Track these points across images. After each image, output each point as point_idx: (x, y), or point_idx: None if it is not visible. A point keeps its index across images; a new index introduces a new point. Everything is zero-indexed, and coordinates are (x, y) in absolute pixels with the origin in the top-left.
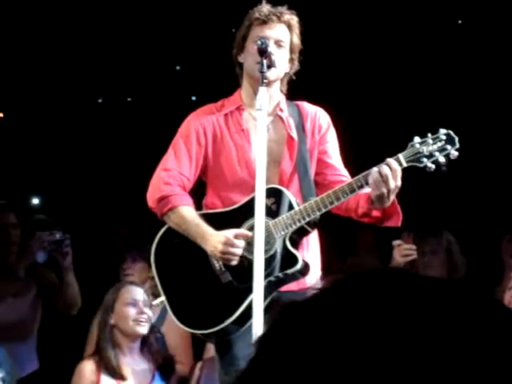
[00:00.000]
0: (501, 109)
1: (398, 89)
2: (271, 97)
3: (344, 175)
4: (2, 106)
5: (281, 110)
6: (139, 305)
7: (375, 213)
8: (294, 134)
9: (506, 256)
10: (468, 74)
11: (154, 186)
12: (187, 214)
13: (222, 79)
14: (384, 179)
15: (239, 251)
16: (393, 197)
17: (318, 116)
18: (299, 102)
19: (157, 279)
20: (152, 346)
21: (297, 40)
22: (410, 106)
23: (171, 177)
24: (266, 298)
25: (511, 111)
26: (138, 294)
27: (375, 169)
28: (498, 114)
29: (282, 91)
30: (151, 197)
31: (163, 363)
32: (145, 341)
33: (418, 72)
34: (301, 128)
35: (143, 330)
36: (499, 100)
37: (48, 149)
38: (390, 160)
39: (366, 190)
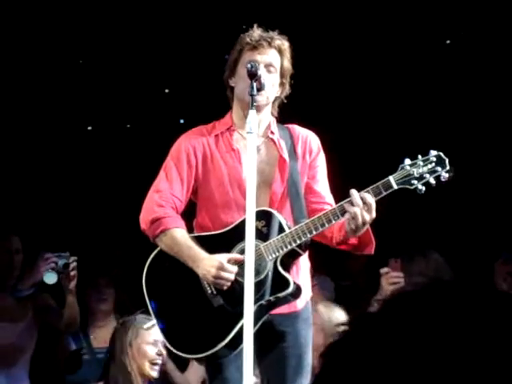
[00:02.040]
0: (489, 128)
1: (387, 110)
2: (262, 120)
3: (328, 203)
4: None
5: (272, 132)
6: (158, 345)
7: (352, 240)
8: (286, 156)
9: (499, 279)
10: (457, 94)
11: (146, 208)
12: (179, 236)
13: (210, 102)
14: (359, 214)
15: (232, 276)
16: (367, 226)
17: (310, 140)
18: (290, 126)
19: (148, 302)
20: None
21: (288, 64)
22: (399, 127)
23: (164, 199)
24: (257, 321)
25: (500, 131)
26: (157, 332)
27: (350, 204)
28: (487, 134)
29: (272, 114)
30: (144, 219)
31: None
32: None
33: (406, 93)
34: (292, 150)
35: (156, 373)
36: (491, 119)
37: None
38: (365, 194)
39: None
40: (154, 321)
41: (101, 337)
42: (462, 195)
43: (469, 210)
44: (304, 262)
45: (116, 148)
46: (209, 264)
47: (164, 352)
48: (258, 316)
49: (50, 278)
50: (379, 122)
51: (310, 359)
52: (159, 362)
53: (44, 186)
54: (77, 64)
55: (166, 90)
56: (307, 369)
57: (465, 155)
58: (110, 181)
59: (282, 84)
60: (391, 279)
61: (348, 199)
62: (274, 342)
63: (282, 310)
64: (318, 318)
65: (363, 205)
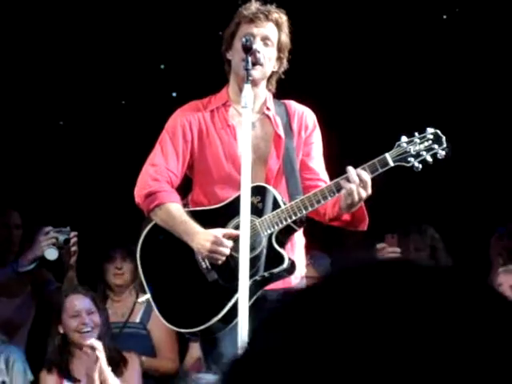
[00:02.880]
0: (488, 104)
1: (384, 86)
2: (257, 95)
3: (323, 180)
4: None
5: (268, 108)
6: (82, 315)
7: (345, 217)
8: (281, 132)
9: (494, 254)
10: (454, 70)
11: (141, 182)
12: (174, 210)
13: (204, 76)
14: (354, 191)
15: (227, 251)
16: (362, 203)
17: (305, 116)
18: (287, 101)
19: (142, 276)
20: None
21: (285, 38)
22: (396, 103)
23: (159, 173)
24: (251, 296)
25: (498, 106)
26: (80, 303)
27: (346, 180)
28: (485, 110)
29: (270, 90)
30: (138, 192)
31: (114, 363)
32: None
33: (403, 69)
34: (288, 127)
35: (88, 340)
36: (487, 96)
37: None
38: (361, 171)
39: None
40: (148, 295)
41: (117, 311)
42: (458, 170)
43: (465, 186)
44: (299, 239)
45: (111, 123)
46: (204, 238)
47: (94, 319)
48: (252, 291)
49: (51, 254)
50: (376, 98)
51: None
52: (86, 330)
53: (43, 161)
54: (71, 40)
55: (162, 66)
56: None
57: (461, 131)
58: (107, 156)
59: (279, 58)
60: (387, 254)
61: (344, 176)
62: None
63: (276, 285)
64: None
65: (359, 181)
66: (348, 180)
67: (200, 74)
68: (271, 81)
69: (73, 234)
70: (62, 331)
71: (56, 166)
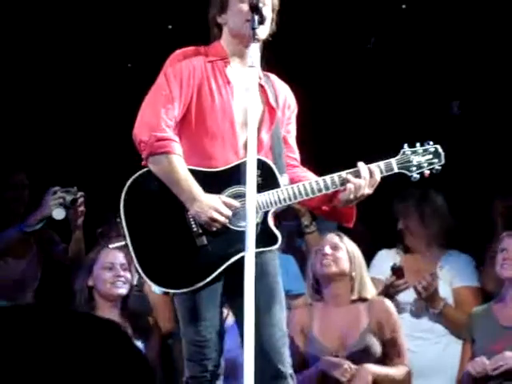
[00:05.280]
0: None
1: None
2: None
3: (296, 159)
4: None
5: (259, 77)
6: (116, 268)
7: (325, 207)
8: (274, 104)
9: (497, 217)
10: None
11: (152, 122)
12: (179, 165)
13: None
14: (362, 186)
15: (226, 221)
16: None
17: (288, 93)
18: (270, 74)
19: (125, 228)
20: (129, 308)
21: None
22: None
23: (169, 117)
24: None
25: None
26: (116, 257)
27: (355, 175)
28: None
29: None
30: (147, 132)
31: (140, 325)
32: (125, 304)
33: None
34: (274, 100)
35: (120, 291)
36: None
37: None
38: (374, 168)
39: None
40: (123, 242)
41: None
42: (461, 136)
43: (469, 150)
44: None
45: (117, 87)
46: (207, 204)
47: (127, 275)
48: (236, 263)
49: (59, 214)
50: (371, 97)
51: (282, 290)
52: (120, 281)
53: (50, 123)
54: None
55: (169, 26)
56: (280, 298)
57: (466, 98)
58: (114, 120)
59: (272, 20)
60: (398, 288)
61: (351, 170)
62: (241, 274)
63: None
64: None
65: (370, 178)
66: (358, 175)
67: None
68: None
69: (80, 194)
70: (91, 283)
71: (64, 127)
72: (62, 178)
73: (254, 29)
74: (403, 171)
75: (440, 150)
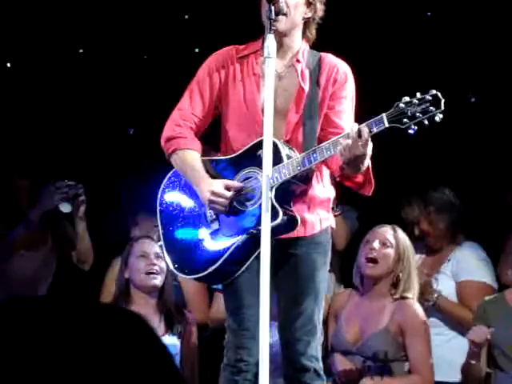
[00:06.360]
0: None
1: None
2: (288, 46)
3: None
4: None
5: (297, 60)
6: (150, 257)
7: (353, 177)
8: (306, 86)
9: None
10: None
11: (167, 126)
12: (189, 158)
13: (229, 28)
14: (350, 146)
15: (225, 202)
16: (365, 164)
17: (337, 69)
18: (323, 54)
19: (159, 221)
20: (166, 300)
21: None
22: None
23: (183, 117)
24: (250, 251)
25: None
26: (149, 246)
27: (346, 137)
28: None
29: (309, 39)
30: (163, 136)
31: (176, 318)
32: (161, 295)
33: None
34: (316, 80)
35: (155, 281)
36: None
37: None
38: (362, 128)
39: None
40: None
41: None
42: (475, 130)
43: (481, 141)
44: (319, 194)
45: (133, 79)
46: (205, 188)
47: (161, 264)
48: (249, 246)
49: (66, 207)
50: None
51: (321, 284)
52: (154, 270)
53: (58, 117)
54: None
55: (186, 16)
56: (316, 292)
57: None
58: (126, 112)
59: (309, 4)
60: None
61: (344, 133)
62: (281, 264)
63: (288, 235)
64: None
65: (358, 138)
66: (347, 136)
67: (225, 26)
68: (309, 29)
69: (79, 186)
70: (126, 276)
71: (74, 122)
72: (59, 173)
73: (270, 19)
74: (395, 125)
75: (439, 96)
